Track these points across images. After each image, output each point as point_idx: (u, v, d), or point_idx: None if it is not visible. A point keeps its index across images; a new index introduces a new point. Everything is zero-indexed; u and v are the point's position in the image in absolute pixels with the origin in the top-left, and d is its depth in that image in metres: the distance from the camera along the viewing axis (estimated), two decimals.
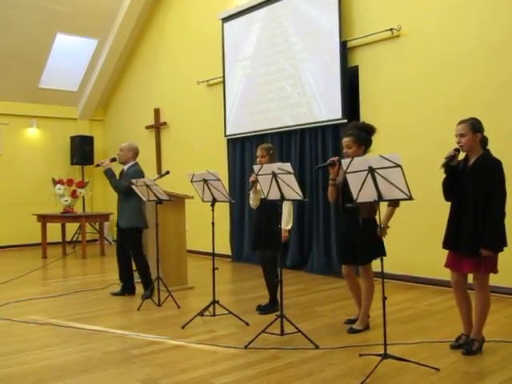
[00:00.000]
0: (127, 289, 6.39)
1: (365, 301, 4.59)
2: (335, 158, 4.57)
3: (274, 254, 5.22)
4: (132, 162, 6.28)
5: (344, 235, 4.67)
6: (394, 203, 4.25)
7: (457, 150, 3.88)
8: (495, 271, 3.85)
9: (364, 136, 4.52)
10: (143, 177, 6.16)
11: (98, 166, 6.40)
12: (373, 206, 4.23)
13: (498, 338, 4.19)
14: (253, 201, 5.40)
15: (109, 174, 6.21)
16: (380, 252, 4.42)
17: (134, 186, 5.95)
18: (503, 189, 3.79)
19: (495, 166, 3.79)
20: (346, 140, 4.52)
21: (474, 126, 3.85)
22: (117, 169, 6.36)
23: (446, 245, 4.02)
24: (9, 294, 6.45)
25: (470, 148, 3.87)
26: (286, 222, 5.11)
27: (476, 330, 3.95)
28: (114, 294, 6.36)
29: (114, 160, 6.34)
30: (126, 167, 6.28)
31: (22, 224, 11.34)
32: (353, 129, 4.58)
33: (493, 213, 3.76)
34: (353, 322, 4.72)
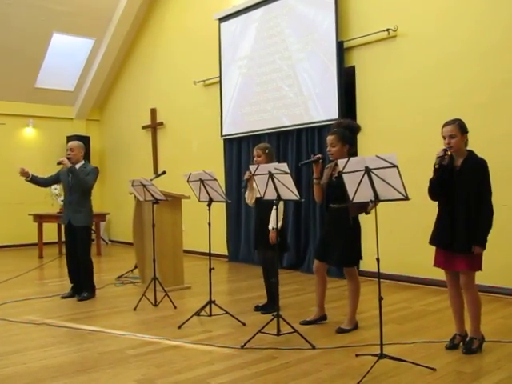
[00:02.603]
0: (77, 290, 6.23)
1: (352, 302, 4.62)
2: (319, 156, 4.56)
3: (273, 254, 5.23)
4: (82, 161, 6.22)
5: (327, 234, 4.67)
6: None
7: (445, 150, 3.91)
8: (481, 268, 3.91)
9: (348, 135, 4.52)
10: (98, 173, 6.23)
11: (59, 163, 6.16)
12: (362, 204, 4.23)
13: (495, 338, 4.19)
14: (248, 199, 5.40)
15: (76, 171, 6.07)
16: (356, 260, 4.46)
17: (130, 186, 5.95)
18: (490, 187, 3.86)
19: (483, 166, 3.86)
20: (330, 138, 4.50)
21: (462, 127, 3.91)
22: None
23: (434, 241, 4.05)
24: (5, 294, 6.43)
25: (458, 149, 3.90)
26: (274, 222, 5.07)
27: (473, 328, 3.96)
28: (64, 297, 6.20)
29: (69, 159, 6.18)
30: (77, 166, 6.13)
31: (18, 224, 11.32)
32: (337, 127, 4.58)
33: (484, 212, 3.82)
34: (309, 322, 4.81)
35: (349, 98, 7.33)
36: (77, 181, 6.05)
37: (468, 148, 3.96)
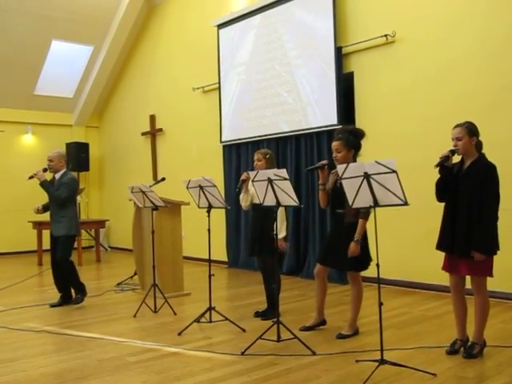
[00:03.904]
0: (67, 299, 6.20)
1: (354, 307, 4.61)
2: (325, 162, 4.58)
3: (272, 260, 5.21)
4: (63, 170, 6.16)
5: (331, 238, 4.70)
6: (364, 215, 4.28)
7: (452, 152, 3.92)
8: (490, 275, 3.88)
9: (353, 140, 4.52)
10: (78, 183, 6.15)
11: (31, 178, 6.10)
12: (358, 211, 4.26)
13: (495, 342, 4.19)
14: (243, 201, 5.38)
15: (46, 184, 6.03)
16: (364, 264, 4.43)
17: (129, 193, 5.95)
18: (497, 193, 3.83)
19: (489, 170, 3.84)
20: (335, 144, 4.52)
21: (471, 130, 3.90)
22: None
23: (439, 246, 4.05)
24: (4, 302, 6.42)
25: (465, 151, 3.91)
26: (280, 231, 5.04)
27: (477, 333, 3.96)
28: (53, 306, 6.12)
29: (45, 170, 6.14)
30: (57, 176, 6.13)
31: (17, 231, 11.29)
32: (342, 133, 4.58)
33: (485, 216, 3.79)
34: (309, 328, 4.78)
35: (347, 103, 7.35)
36: (48, 195, 6.08)
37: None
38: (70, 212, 6.11)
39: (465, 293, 4.05)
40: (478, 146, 3.96)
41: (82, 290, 6.14)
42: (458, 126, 3.95)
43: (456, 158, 4.00)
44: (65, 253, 6.06)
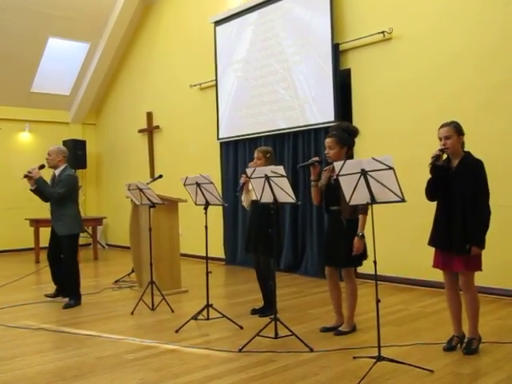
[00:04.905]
0: (62, 292, 6.21)
1: (350, 304, 4.60)
2: (317, 158, 4.57)
3: (268, 258, 5.21)
4: (62, 166, 6.06)
5: (328, 237, 4.68)
6: (363, 211, 4.27)
7: (441, 151, 3.94)
8: (481, 269, 3.92)
9: (347, 137, 4.51)
10: (78, 182, 6.12)
11: (26, 177, 5.93)
12: (355, 207, 4.25)
13: (492, 339, 4.20)
14: (245, 201, 5.39)
15: (41, 183, 5.89)
16: (361, 259, 4.42)
17: (126, 190, 5.94)
18: (487, 188, 3.89)
19: (478, 167, 3.89)
20: (328, 141, 4.50)
21: (458, 129, 3.95)
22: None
23: (433, 242, 4.07)
24: (1, 299, 6.40)
25: (454, 150, 3.95)
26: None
27: (472, 328, 3.98)
28: (48, 296, 6.24)
29: (42, 167, 6.03)
30: (57, 172, 6.06)
31: (14, 229, 11.27)
32: (336, 130, 4.58)
33: (480, 212, 3.84)
34: (329, 329, 4.67)
35: (345, 100, 7.34)
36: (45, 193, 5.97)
37: (465, 149, 3.99)
38: (70, 210, 6.02)
39: (459, 289, 4.06)
40: (463, 144, 4.01)
41: (77, 299, 6.07)
42: (444, 125, 3.98)
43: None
44: (69, 254, 6.02)
